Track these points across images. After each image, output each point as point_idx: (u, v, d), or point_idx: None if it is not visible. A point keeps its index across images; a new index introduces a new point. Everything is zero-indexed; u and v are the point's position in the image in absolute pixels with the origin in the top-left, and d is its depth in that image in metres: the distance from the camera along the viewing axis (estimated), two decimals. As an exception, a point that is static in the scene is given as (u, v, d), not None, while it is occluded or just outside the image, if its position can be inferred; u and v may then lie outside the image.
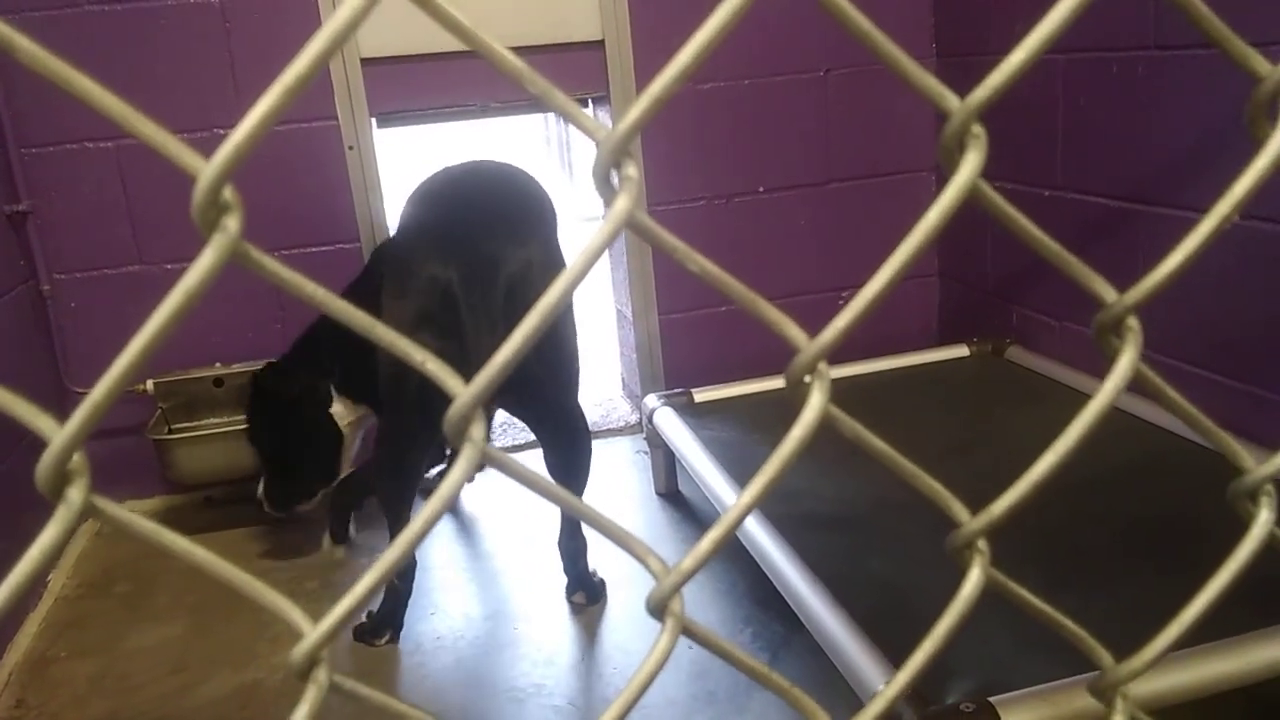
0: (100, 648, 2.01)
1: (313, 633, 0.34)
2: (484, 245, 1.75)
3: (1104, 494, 1.80)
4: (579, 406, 1.96)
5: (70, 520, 0.32)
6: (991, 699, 1.21)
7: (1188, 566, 1.49)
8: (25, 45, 0.29)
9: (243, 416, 2.29)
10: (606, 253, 2.83)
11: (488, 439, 0.34)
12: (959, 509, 0.39)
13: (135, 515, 0.33)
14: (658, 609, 0.36)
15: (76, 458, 0.31)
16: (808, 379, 0.37)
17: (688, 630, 0.38)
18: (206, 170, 0.29)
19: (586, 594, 2.04)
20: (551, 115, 7.40)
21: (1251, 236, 1.86)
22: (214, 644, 1.97)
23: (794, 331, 0.36)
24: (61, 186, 2.44)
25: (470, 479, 0.34)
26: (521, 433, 2.95)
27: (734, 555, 1.94)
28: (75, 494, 0.31)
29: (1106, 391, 0.38)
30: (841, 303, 2.89)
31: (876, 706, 0.38)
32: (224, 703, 1.80)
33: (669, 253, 0.35)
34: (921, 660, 0.38)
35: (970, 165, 0.33)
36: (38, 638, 2.06)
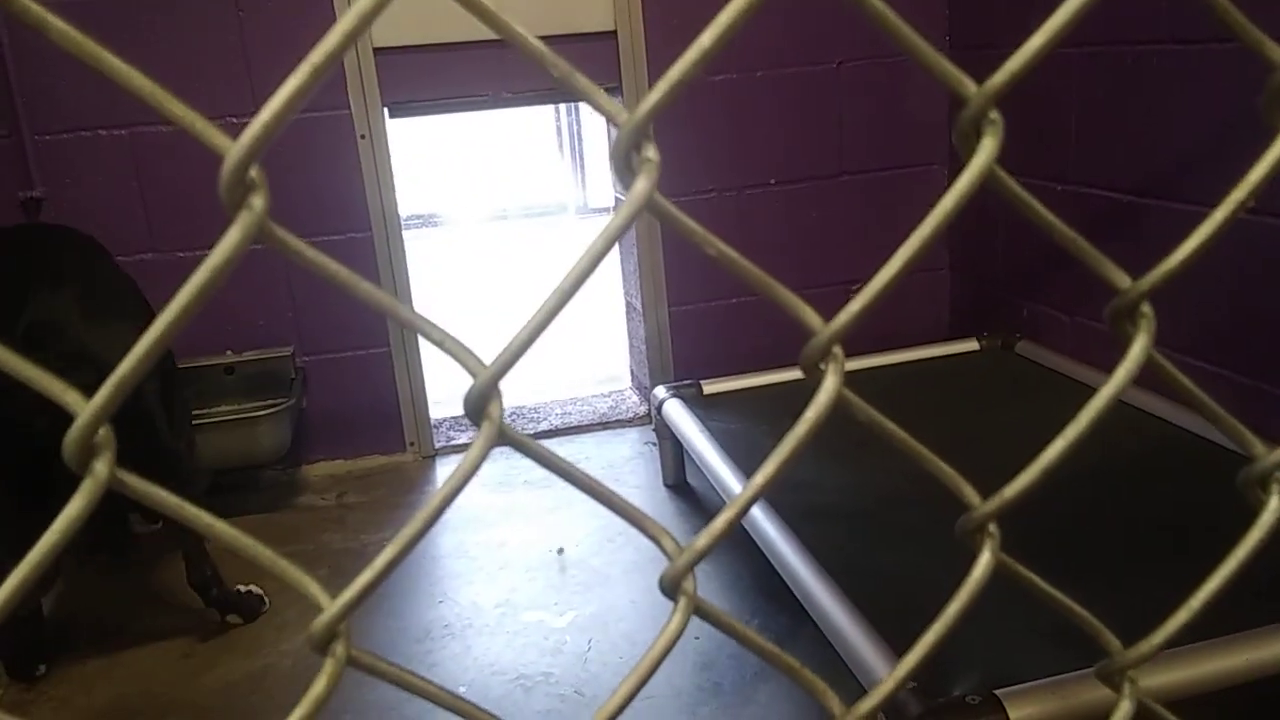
0: (111, 633, 2.03)
1: (332, 606, 0.34)
2: None
3: (1113, 489, 1.80)
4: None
5: (96, 492, 0.32)
6: (997, 691, 1.22)
7: (1196, 561, 1.49)
8: (57, 24, 0.29)
9: (255, 404, 2.27)
10: (617, 244, 2.82)
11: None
12: (970, 492, 0.39)
13: (158, 489, 0.34)
14: (671, 587, 0.37)
15: (102, 431, 0.32)
16: (822, 365, 0.37)
17: (699, 610, 0.38)
18: (234, 149, 0.30)
19: None
20: (563, 107, 7.39)
21: (1262, 232, 1.85)
22: (223, 630, 1.98)
23: (809, 315, 0.37)
24: (75, 174, 2.46)
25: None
26: (530, 423, 2.96)
27: (741, 547, 1.94)
28: (101, 467, 0.32)
29: (1119, 378, 0.38)
30: (853, 295, 2.89)
31: (886, 686, 0.38)
32: (234, 688, 1.81)
33: (686, 236, 0.35)
34: (931, 642, 0.39)
35: (987, 151, 0.34)
36: (49, 623, 2.07)
